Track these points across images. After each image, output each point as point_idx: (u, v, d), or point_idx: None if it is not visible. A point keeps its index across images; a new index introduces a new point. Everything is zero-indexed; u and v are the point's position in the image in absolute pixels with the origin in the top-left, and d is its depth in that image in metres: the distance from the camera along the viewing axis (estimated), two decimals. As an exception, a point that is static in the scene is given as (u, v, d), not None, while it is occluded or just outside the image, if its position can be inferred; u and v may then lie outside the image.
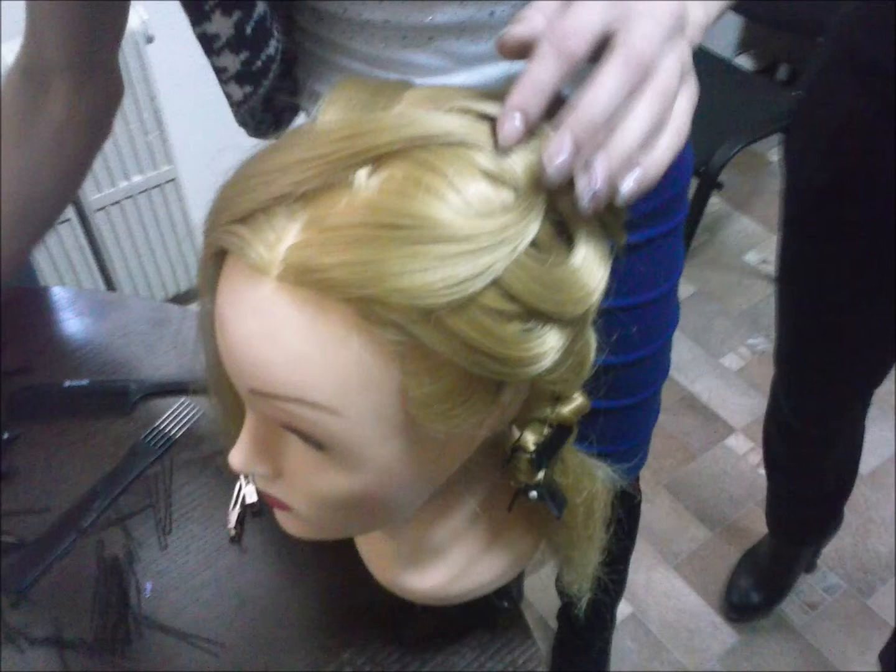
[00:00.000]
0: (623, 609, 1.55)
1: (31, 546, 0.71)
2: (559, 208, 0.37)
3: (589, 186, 0.35)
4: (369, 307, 0.34)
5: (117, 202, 1.72)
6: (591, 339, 0.43)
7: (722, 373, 1.96)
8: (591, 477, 0.50)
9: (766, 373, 1.29)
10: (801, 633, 1.53)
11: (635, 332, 0.66)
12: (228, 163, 0.38)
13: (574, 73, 0.36)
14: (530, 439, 0.44)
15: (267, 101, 0.68)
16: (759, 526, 1.59)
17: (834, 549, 1.63)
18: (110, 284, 1.85)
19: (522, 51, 0.37)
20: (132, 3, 0.67)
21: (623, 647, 1.52)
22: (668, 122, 0.37)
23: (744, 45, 2.66)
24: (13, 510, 0.74)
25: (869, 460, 1.72)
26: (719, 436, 1.84)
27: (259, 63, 0.61)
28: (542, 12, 0.36)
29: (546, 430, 0.44)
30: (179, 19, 0.59)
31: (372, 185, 0.35)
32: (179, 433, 0.80)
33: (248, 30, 0.58)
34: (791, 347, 1.16)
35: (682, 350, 1.99)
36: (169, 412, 0.82)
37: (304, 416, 0.38)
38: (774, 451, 1.35)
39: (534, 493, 0.46)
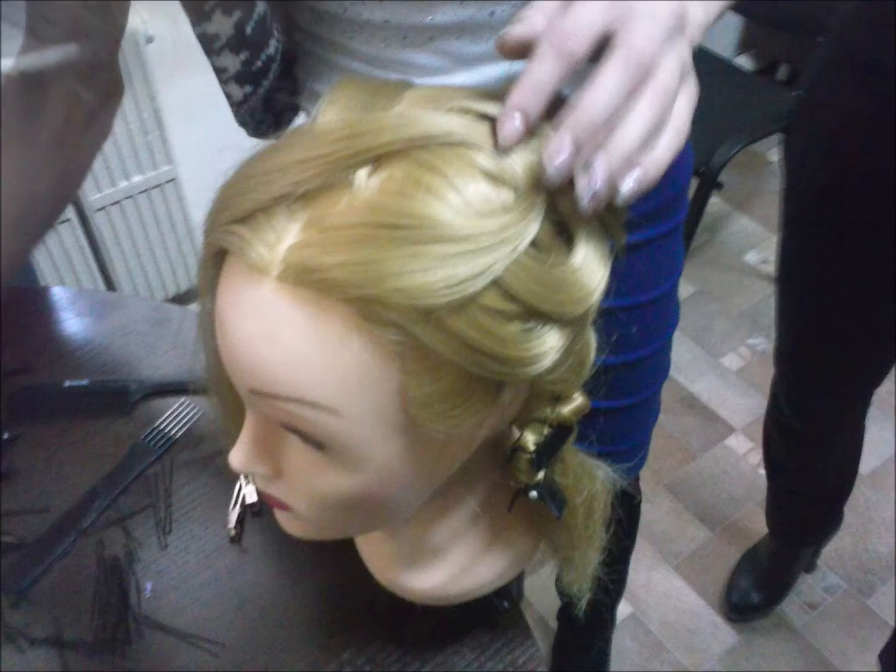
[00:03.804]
0: (623, 609, 1.55)
1: (31, 546, 0.71)
2: (559, 208, 0.37)
3: (589, 186, 0.35)
4: (369, 307, 0.34)
5: (117, 202, 1.72)
6: (591, 339, 0.43)
7: (722, 373, 1.96)
8: (591, 477, 0.50)
9: (766, 373, 1.29)
10: (801, 633, 1.53)
11: (635, 332, 0.66)
12: (228, 163, 0.38)
13: (574, 73, 0.36)
14: (530, 439, 0.44)
15: (267, 101, 0.68)
16: (759, 526, 1.59)
17: (834, 549, 1.63)
18: (110, 284, 1.85)
19: (522, 51, 0.37)
20: (132, 3, 0.67)
21: (623, 647, 1.52)
22: (668, 122, 0.37)
23: (744, 45, 2.67)
24: (13, 510, 0.74)
25: (869, 460, 1.72)
26: (719, 436, 1.84)
27: (259, 63, 0.61)
28: (542, 12, 0.36)
29: (546, 430, 0.44)
30: (179, 19, 0.59)
31: (372, 185, 0.35)
32: (179, 433, 0.80)
33: (248, 30, 0.58)
34: (791, 347, 1.16)
35: (682, 350, 1.99)
36: (169, 412, 0.82)
37: (304, 416, 0.38)
38: (774, 451, 1.35)
39: (534, 493, 0.46)
